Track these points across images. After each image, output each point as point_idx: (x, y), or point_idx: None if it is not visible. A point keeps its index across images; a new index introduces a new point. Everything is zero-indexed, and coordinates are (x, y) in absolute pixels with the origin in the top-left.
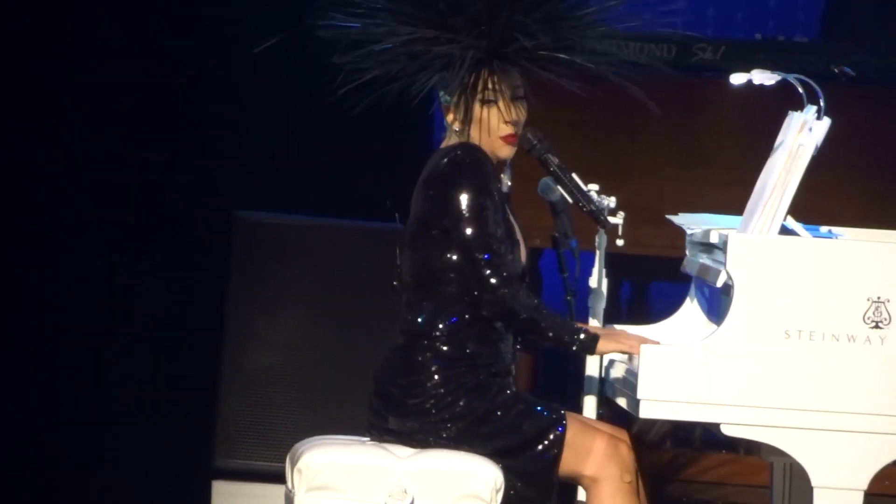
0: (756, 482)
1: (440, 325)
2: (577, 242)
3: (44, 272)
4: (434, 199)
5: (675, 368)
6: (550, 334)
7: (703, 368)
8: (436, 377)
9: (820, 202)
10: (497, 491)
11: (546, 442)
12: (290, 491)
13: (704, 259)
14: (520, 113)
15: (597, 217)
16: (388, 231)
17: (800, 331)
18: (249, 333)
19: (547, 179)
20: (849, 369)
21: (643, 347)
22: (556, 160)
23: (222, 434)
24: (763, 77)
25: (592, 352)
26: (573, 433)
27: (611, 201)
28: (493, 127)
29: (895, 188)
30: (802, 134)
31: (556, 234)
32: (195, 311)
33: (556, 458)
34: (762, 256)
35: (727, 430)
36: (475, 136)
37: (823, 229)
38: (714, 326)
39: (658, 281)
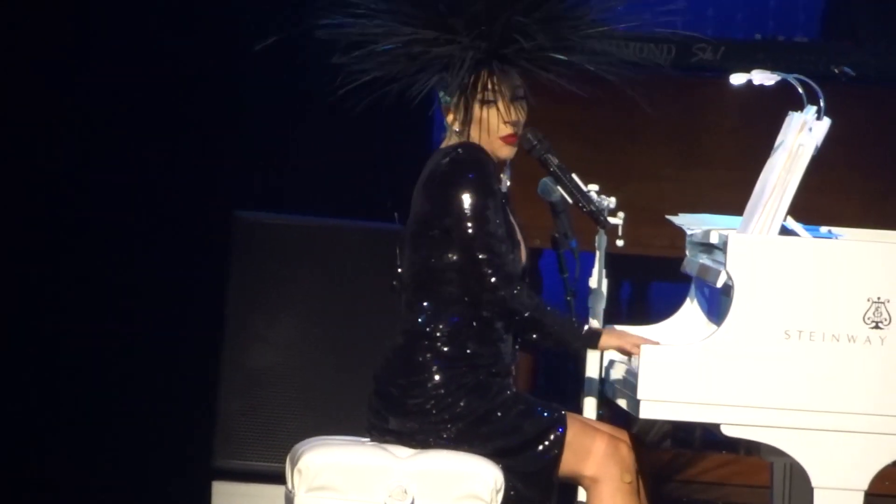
0: (756, 482)
1: (440, 326)
2: (577, 243)
3: (44, 272)
4: (435, 199)
5: (675, 369)
6: (553, 332)
7: (703, 369)
8: (436, 377)
9: (820, 202)
10: (497, 491)
11: (546, 442)
12: (290, 491)
13: (704, 259)
14: (519, 113)
15: (597, 217)
16: (387, 231)
17: (800, 331)
18: (249, 333)
19: (547, 180)
20: (849, 370)
21: (643, 347)
22: (555, 160)
23: (222, 434)
24: (763, 77)
25: (595, 347)
26: (573, 433)
27: (611, 202)
28: (493, 127)
29: (895, 188)
30: (802, 134)
31: (556, 235)
32: (195, 311)
33: (557, 459)
34: (762, 257)
35: (727, 431)
36: (475, 136)
37: (823, 229)
38: (714, 327)
39: (658, 281)
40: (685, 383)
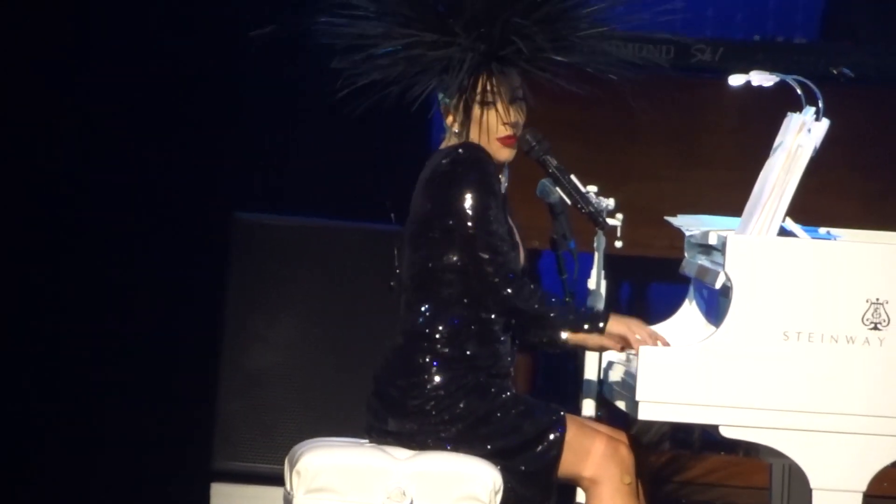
0: (755, 483)
1: (440, 327)
2: (575, 244)
3: (44, 272)
4: (437, 199)
5: (673, 370)
6: (561, 323)
7: (701, 370)
8: (436, 379)
9: (818, 203)
10: (496, 493)
11: (545, 443)
12: (289, 493)
13: (703, 260)
14: (519, 115)
15: (595, 219)
16: (387, 232)
17: (798, 332)
18: (249, 334)
19: (546, 181)
20: (848, 371)
21: (642, 349)
22: (554, 162)
23: (221, 436)
24: (762, 78)
25: (602, 331)
26: (572, 434)
27: (609, 203)
28: (493, 129)
29: (894, 188)
30: (801, 135)
31: (555, 236)
32: (194, 312)
33: (556, 460)
34: (761, 258)
35: (726, 432)
36: (474, 137)
37: (822, 230)
38: (713, 328)
39: (657, 282)
40: (684, 385)
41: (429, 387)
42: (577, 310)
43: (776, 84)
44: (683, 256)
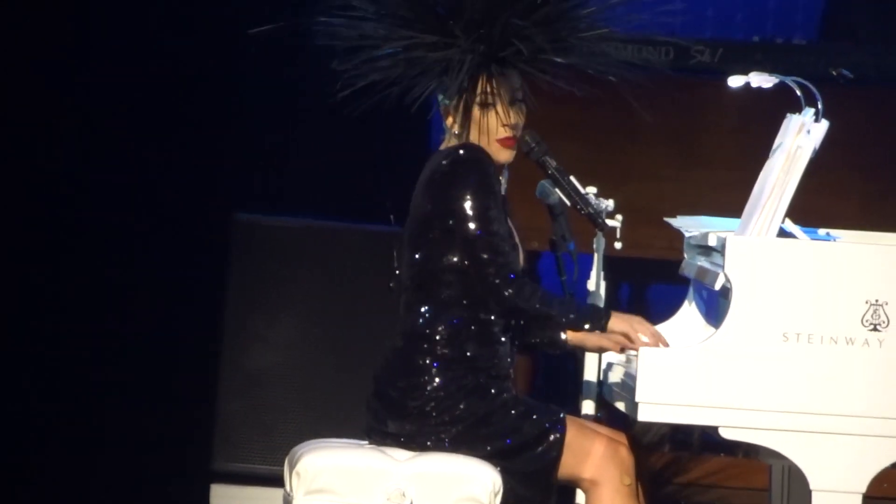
0: (754, 485)
1: (440, 328)
2: (575, 245)
3: (44, 272)
4: (437, 199)
5: (673, 371)
6: (563, 321)
7: (701, 371)
8: (436, 380)
9: (818, 204)
10: (496, 494)
11: (545, 444)
12: (289, 494)
13: (702, 262)
14: (518, 116)
15: (595, 220)
16: (386, 233)
17: (798, 333)
18: (249, 335)
19: (545, 182)
20: (847, 372)
21: (642, 350)
22: (554, 163)
23: (221, 437)
24: (761, 80)
25: (604, 328)
26: (572, 435)
27: (609, 204)
28: (492, 130)
29: (893, 189)
30: (800, 136)
31: (555, 237)
32: (194, 312)
33: (556, 461)
34: (760, 259)
35: (725, 433)
36: (474, 139)
37: (821, 232)
38: (712, 329)
39: (656, 283)
40: (683, 386)
41: (429, 388)
42: (579, 308)
43: (775, 85)
44: (683, 257)
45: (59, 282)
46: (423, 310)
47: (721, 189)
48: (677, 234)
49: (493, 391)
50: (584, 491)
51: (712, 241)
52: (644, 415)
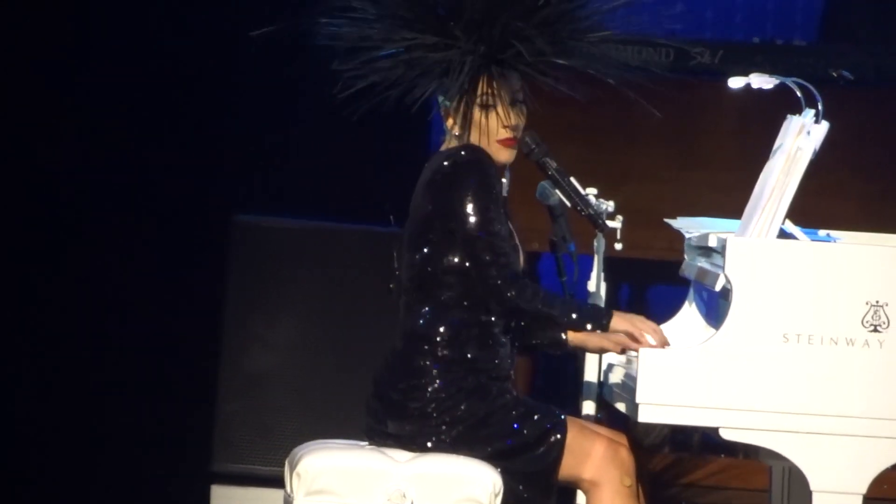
0: (755, 486)
1: (440, 329)
2: (575, 246)
3: (44, 272)
4: (438, 201)
5: (673, 372)
6: (565, 321)
7: (701, 372)
8: (437, 381)
9: (818, 205)
10: (496, 495)
11: (546, 445)
12: (289, 495)
13: (703, 263)
14: (519, 117)
15: (595, 221)
16: (386, 234)
17: (798, 334)
18: (248, 336)
19: (545, 183)
20: (847, 373)
21: (642, 351)
22: (554, 164)
23: (221, 438)
24: (761, 81)
25: (606, 328)
26: (573, 437)
27: (609, 205)
28: (493, 131)
29: (893, 190)
30: (801, 137)
31: (555, 238)
32: (194, 313)
33: (556, 462)
34: (760, 260)
35: (726, 434)
36: (474, 139)
37: (822, 233)
38: (713, 330)
39: (656, 284)
40: (684, 387)
41: (429, 389)
42: (580, 308)
43: (775, 86)
44: (683, 258)
45: (59, 282)
46: (423, 311)
47: (721, 190)
48: (677, 236)
49: (493, 392)
50: (585, 492)
51: (712, 243)
52: (644, 416)
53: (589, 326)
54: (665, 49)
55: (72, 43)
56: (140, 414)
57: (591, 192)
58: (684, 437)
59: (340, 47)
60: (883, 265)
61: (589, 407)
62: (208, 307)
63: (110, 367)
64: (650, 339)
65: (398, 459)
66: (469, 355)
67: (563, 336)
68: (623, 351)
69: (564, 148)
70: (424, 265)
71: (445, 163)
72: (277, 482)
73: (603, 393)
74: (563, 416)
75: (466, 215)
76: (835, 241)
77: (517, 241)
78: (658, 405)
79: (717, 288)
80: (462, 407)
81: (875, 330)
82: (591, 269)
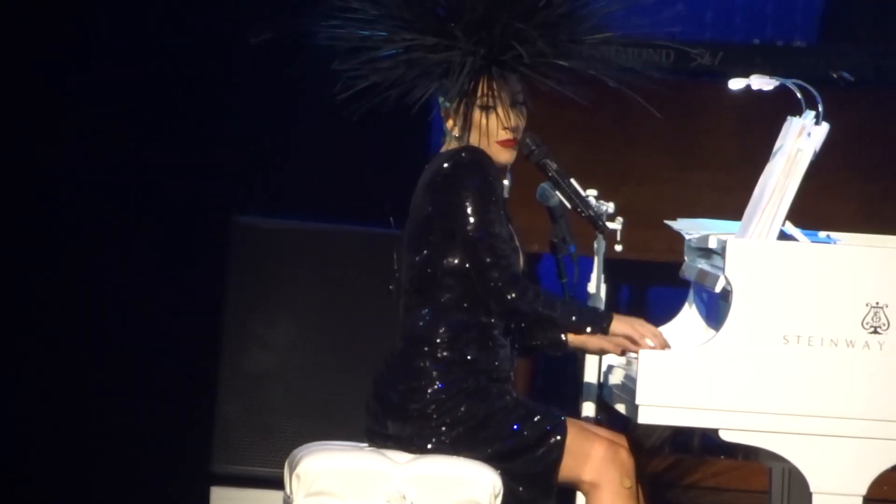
0: (755, 487)
1: (440, 331)
2: (575, 248)
3: (44, 272)
4: (438, 202)
5: (673, 374)
6: (565, 324)
7: (701, 374)
8: (437, 383)
9: (818, 206)
10: (496, 496)
11: (545, 447)
12: (289, 497)
13: (703, 264)
14: (519, 119)
15: (595, 222)
16: (385, 235)
17: (798, 336)
18: (248, 337)
19: (545, 185)
20: (847, 374)
21: (642, 352)
22: (554, 165)
23: (221, 439)
24: (761, 82)
25: (606, 331)
26: (572, 438)
27: (609, 206)
28: (493, 132)
29: (893, 191)
30: (801, 139)
31: (555, 240)
32: (194, 314)
33: (556, 463)
34: (761, 262)
35: (726, 436)
36: (474, 141)
37: (822, 234)
38: (713, 332)
39: (657, 286)
40: (684, 388)
41: (430, 391)
42: (581, 311)
43: (776, 87)
44: (683, 260)
45: (59, 282)
46: (423, 312)
47: (721, 192)
48: (678, 237)
49: (493, 394)
50: (584, 493)
51: (713, 244)
52: (644, 417)
53: (589, 330)
54: (665, 50)
55: (72, 43)
56: (140, 414)
57: (592, 193)
58: (684, 439)
59: (340, 47)
60: (883, 267)
61: (589, 408)
62: (208, 307)
63: (110, 367)
64: (650, 342)
65: (398, 461)
66: (469, 357)
67: (563, 337)
68: (623, 352)
69: (564, 149)
70: (424, 266)
71: (446, 164)
72: (277, 483)
73: (603, 394)
74: (562, 418)
75: (467, 217)
76: (835, 243)
77: (518, 243)
78: (658, 406)
79: (717, 289)
80: (462, 408)
81: (875, 332)
82: (591, 271)
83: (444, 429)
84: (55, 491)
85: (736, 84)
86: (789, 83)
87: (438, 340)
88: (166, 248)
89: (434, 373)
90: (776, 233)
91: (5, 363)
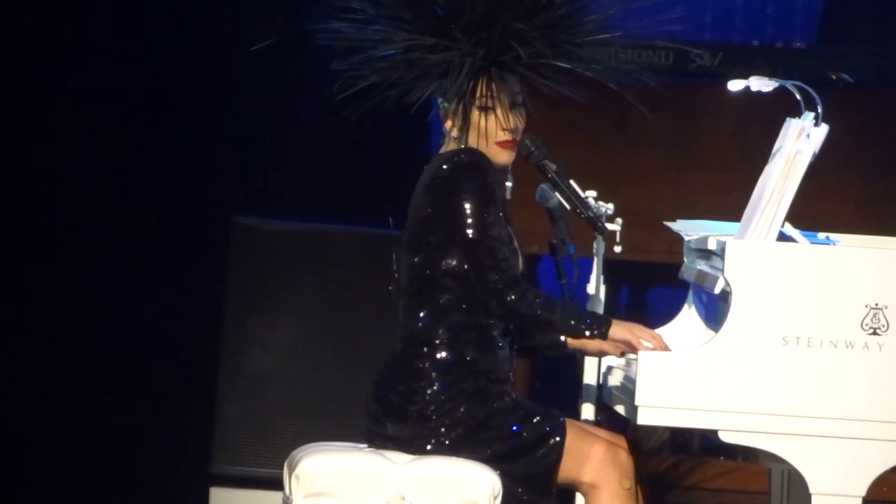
0: (754, 488)
1: (440, 332)
2: (574, 249)
3: (44, 272)
4: (437, 204)
5: (673, 375)
6: (564, 327)
7: (701, 375)
8: (436, 384)
9: (818, 207)
10: (495, 497)
11: (545, 448)
12: (288, 497)
13: (702, 265)
14: (518, 120)
15: (595, 223)
16: (385, 236)
17: (798, 337)
18: (248, 338)
19: (545, 186)
20: (847, 375)
21: (641, 353)
22: (553, 166)
23: (220, 440)
24: (761, 84)
25: (605, 336)
26: (572, 439)
27: (608, 207)
28: (492, 133)
29: (893, 192)
30: (800, 140)
31: (554, 241)
32: (193, 315)
33: (555, 464)
34: (760, 263)
35: (725, 437)
36: (473, 142)
37: (821, 235)
38: (712, 333)
39: (656, 287)
40: (683, 389)
41: (429, 392)
42: (580, 315)
43: (775, 89)
44: (682, 261)
45: (59, 282)
46: (422, 314)
47: (721, 193)
48: (677, 238)
49: (493, 395)
50: (584, 494)
51: (712, 245)
52: (643, 418)
53: (588, 334)
54: (665, 52)
55: (72, 43)
56: (140, 414)
57: (591, 194)
58: (684, 440)
59: (340, 47)
60: (882, 268)
61: (588, 409)
62: (208, 308)
63: (110, 367)
64: (649, 345)
65: (397, 462)
66: (468, 358)
67: (562, 339)
68: (622, 353)
69: (564, 150)
70: (423, 268)
71: (445, 166)
72: (276, 484)
73: (602, 395)
74: (562, 419)
75: (465, 219)
76: (834, 244)
77: (517, 245)
78: (657, 407)
79: (717, 290)
80: (461, 409)
81: (874, 333)
82: (590, 272)
83: (443, 430)
84: (55, 491)
85: (735, 85)
86: (789, 84)
87: (438, 341)
88: (166, 248)
89: (433, 374)
90: (775, 234)
91: (5, 363)
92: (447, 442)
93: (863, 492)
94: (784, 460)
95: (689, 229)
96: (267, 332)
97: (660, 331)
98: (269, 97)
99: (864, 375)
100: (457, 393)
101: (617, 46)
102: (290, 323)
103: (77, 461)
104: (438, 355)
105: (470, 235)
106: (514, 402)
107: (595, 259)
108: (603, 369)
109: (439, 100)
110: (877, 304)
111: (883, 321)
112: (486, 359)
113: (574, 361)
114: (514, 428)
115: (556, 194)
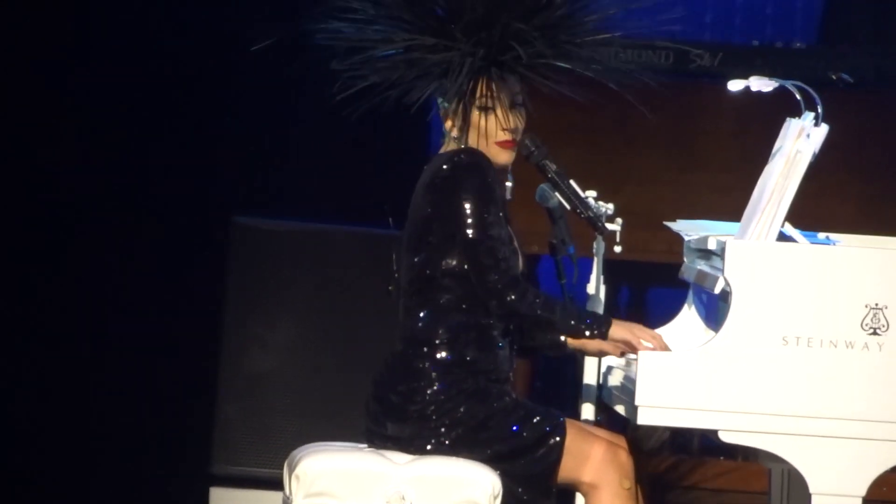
0: (754, 488)
1: (440, 332)
2: (574, 249)
3: (44, 272)
4: (437, 204)
5: (673, 375)
6: (563, 327)
7: (701, 375)
8: (436, 384)
9: (818, 208)
10: (495, 497)
11: (545, 448)
12: (288, 497)
13: (702, 265)
14: (518, 120)
15: (595, 223)
16: (385, 236)
17: (798, 337)
18: (247, 338)
19: (545, 186)
20: (847, 376)
21: (641, 353)
22: (553, 166)
23: (220, 440)
24: (761, 84)
25: (605, 336)
26: (572, 439)
27: (608, 207)
28: (492, 133)
29: (893, 192)
30: (800, 140)
31: (554, 241)
32: (193, 315)
33: (555, 464)
34: (760, 263)
35: (725, 437)
36: (473, 142)
37: (821, 236)
38: (712, 333)
39: (656, 287)
40: (683, 389)
41: (429, 392)
42: (580, 315)
43: (775, 89)
44: (682, 261)
45: (59, 282)
46: (422, 314)
47: (721, 193)
48: (677, 238)
49: (493, 394)
50: (584, 494)
51: (712, 245)
52: (643, 418)
53: (588, 334)
54: (665, 52)
55: (72, 43)
56: (140, 414)
57: (591, 194)
58: (684, 440)
59: (340, 47)
60: (882, 268)
61: (588, 409)
62: (208, 308)
63: (110, 367)
64: (649, 345)
65: (397, 462)
66: (468, 358)
67: (562, 338)
68: (622, 354)
69: (564, 150)
70: (423, 268)
71: (445, 166)
72: (276, 484)
73: (602, 395)
74: (562, 419)
75: (465, 219)
76: (834, 244)
77: (517, 245)
78: (657, 407)
79: (717, 291)
80: (461, 409)
81: (874, 333)
82: (590, 272)
83: (443, 430)
84: (55, 491)
85: (735, 85)
86: (789, 84)
87: (438, 341)
88: (166, 248)
89: (433, 374)
90: (775, 234)
91: (5, 363)
92: (447, 442)
93: (863, 492)
94: (784, 460)
95: (689, 229)
96: (267, 332)
97: (660, 331)
98: (269, 97)
99: (864, 375)
100: (457, 393)
101: (617, 46)
102: (290, 323)
103: (77, 461)
104: (438, 355)
105: (470, 235)
106: (514, 402)
107: (595, 259)
108: (603, 369)
109: (439, 100)
110: (877, 304)
111: (883, 321)
112: (486, 359)
113: (574, 361)
114: (514, 428)
115: (556, 194)
